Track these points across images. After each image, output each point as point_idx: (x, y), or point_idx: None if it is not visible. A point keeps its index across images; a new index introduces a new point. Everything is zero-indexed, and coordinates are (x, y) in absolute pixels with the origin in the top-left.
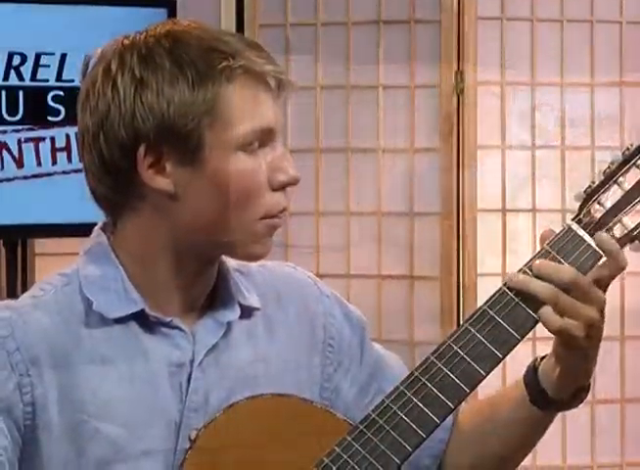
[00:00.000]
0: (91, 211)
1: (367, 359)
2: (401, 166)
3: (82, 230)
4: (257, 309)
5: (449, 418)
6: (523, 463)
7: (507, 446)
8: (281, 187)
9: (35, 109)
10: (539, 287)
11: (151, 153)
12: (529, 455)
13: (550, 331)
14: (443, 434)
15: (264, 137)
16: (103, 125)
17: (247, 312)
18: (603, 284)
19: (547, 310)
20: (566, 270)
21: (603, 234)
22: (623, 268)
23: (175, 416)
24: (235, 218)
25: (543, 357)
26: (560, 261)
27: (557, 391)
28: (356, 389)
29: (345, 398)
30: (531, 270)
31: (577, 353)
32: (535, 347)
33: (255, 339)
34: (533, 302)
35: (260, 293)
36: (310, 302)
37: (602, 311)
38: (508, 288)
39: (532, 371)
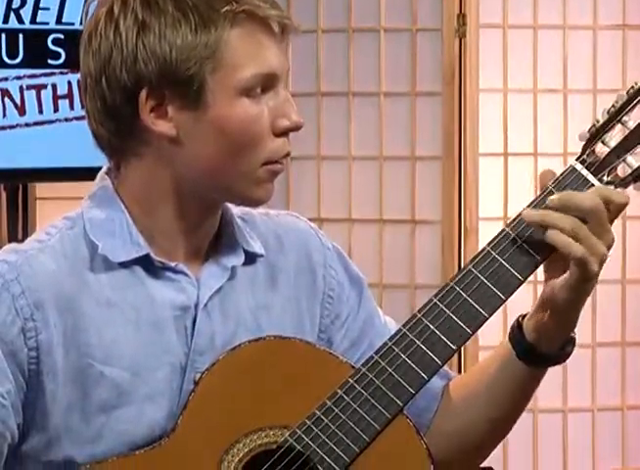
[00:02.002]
0: (93, 156)
1: (361, 314)
2: (403, 111)
3: (83, 174)
4: (261, 256)
5: (439, 387)
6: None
7: (496, 406)
8: (284, 132)
9: (35, 52)
10: (559, 218)
11: (153, 97)
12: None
13: (572, 259)
14: (433, 403)
15: (267, 82)
16: (105, 69)
17: (250, 259)
18: (612, 218)
19: (566, 239)
20: (590, 197)
21: (597, 184)
22: (625, 205)
23: (181, 359)
24: (237, 163)
25: (525, 315)
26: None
27: (545, 342)
28: (348, 343)
29: (336, 350)
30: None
31: (581, 294)
32: (537, 290)
33: (258, 286)
34: (537, 243)
35: (263, 241)
36: (312, 252)
37: (609, 250)
38: (511, 229)
39: (517, 328)
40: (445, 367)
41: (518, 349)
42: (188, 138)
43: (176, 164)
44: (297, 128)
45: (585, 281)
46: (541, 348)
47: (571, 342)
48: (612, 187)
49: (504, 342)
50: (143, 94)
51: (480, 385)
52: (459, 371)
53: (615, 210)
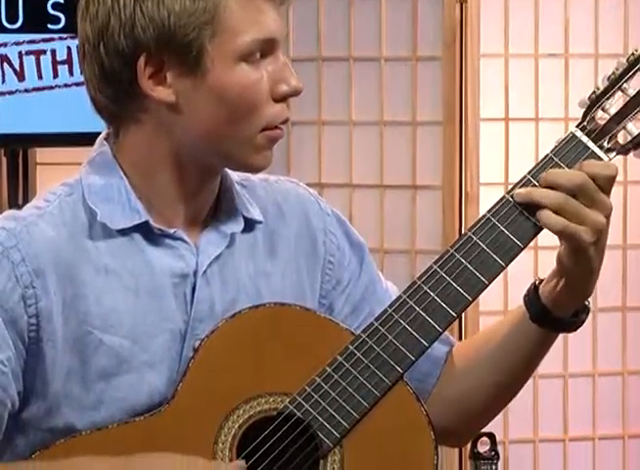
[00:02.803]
0: (93, 122)
1: (363, 279)
2: (404, 75)
3: (84, 139)
4: (260, 223)
5: (441, 353)
6: None
7: (502, 372)
8: (283, 98)
9: (35, 16)
10: (543, 194)
11: (151, 63)
12: None
13: (554, 232)
14: (435, 369)
15: (266, 47)
16: (103, 35)
17: (249, 225)
18: (604, 189)
19: (547, 213)
20: (574, 174)
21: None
22: (613, 176)
23: (180, 326)
24: (236, 129)
25: (542, 280)
26: (563, 168)
27: (559, 307)
28: (349, 308)
29: (338, 316)
30: (535, 179)
31: (584, 263)
32: (538, 256)
33: (257, 253)
34: (537, 210)
35: (262, 207)
36: (312, 218)
37: (608, 217)
38: (512, 196)
39: (533, 290)
40: (447, 333)
41: (532, 311)
42: (187, 104)
43: (175, 130)
44: (296, 93)
45: (580, 251)
46: (555, 312)
47: (586, 310)
48: (612, 154)
49: (515, 308)
50: (141, 60)
51: (486, 351)
52: (460, 337)
53: (605, 182)
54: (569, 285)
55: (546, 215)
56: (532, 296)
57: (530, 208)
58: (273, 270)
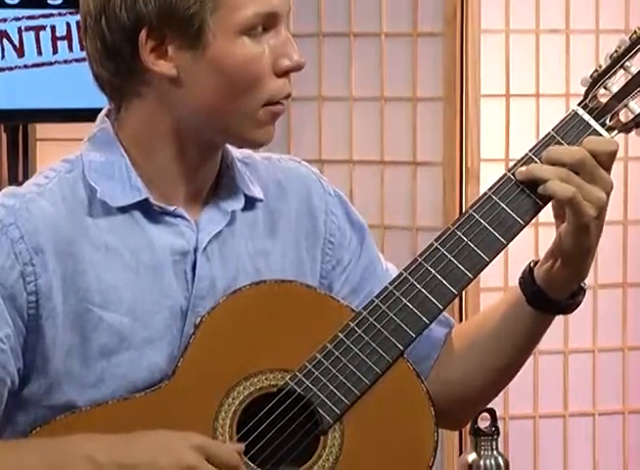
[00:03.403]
0: (93, 98)
1: (363, 260)
2: (404, 51)
3: (83, 115)
4: (260, 201)
5: (440, 335)
6: None
7: (500, 355)
8: (285, 73)
9: None
10: (545, 170)
11: (152, 37)
12: None
13: (562, 200)
14: (433, 351)
15: (268, 22)
16: (105, 9)
17: (250, 203)
18: (605, 166)
19: (554, 181)
20: (575, 150)
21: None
22: (614, 152)
23: (181, 303)
24: (237, 104)
25: (538, 261)
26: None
27: (555, 289)
28: (349, 288)
29: (337, 296)
30: (537, 157)
31: (583, 241)
32: (538, 233)
33: (257, 232)
34: (538, 186)
35: (264, 185)
36: (313, 197)
37: (608, 195)
38: (513, 173)
39: (528, 272)
40: (447, 315)
41: (528, 293)
42: (188, 78)
43: (177, 104)
44: (298, 68)
45: (583, 226)
46: (550, 294)
47: (582, 291)
48: (614, 132)
49: (512, 288)
50: (143, 34)
51: (484, 333)
52: (460, 315)
53: (605, 158)
54: (565, 265)
55: (555, 184)
56: (528, 278)
57: (532, 185)
58: (273, 249)
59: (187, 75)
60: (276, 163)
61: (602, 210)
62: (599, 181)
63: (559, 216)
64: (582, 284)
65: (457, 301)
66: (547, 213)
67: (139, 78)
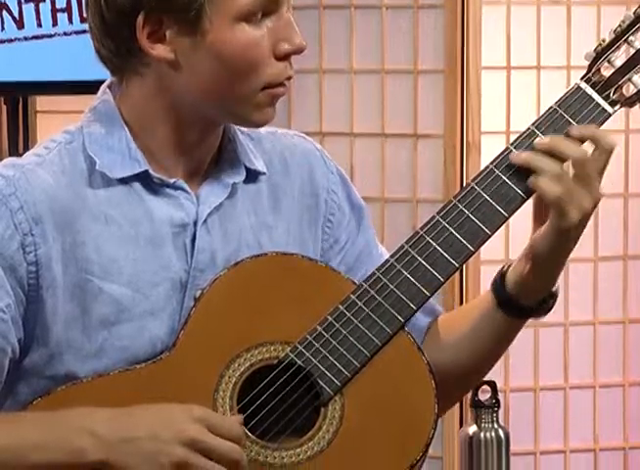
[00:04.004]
0: (93, 69)
1: (360, 241)
2: (405, 23)
3: (83, 87)
4: (263, 174)
5: (424, 323)
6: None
7: (471, 353)
8: (285, 56)
9: None
10: (543, 162)
11: (150, 22)
12: None
13: (547, 200)
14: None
15: (269, 7)
16: None
17: (252, 177)
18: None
19: (544, 179)
20: (577, 148)
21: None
22: (612, 150)
23: (181, 276)
24: (236, 88)
25: (510, 265)
26: (568, 121)
27: (524, 295)
28: (344, 268)
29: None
30: (540, 131)
31: (559, 246)
32: None
33: (260, 205)
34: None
35: (268, 159)
36: (316, 175)
37: (595, 205)
38: (515, 147)
39: (500, 277)
40: (434, 303)
41: (498, 298)
42: (186, 62)
43: (175, 86)
44: (299, 52)
45: (563, 230)
46: (521, 299)
47: (553, 296)
48: (617, 106)
49: (485, 292)
50: (140, 18)
51: (457, 332)
52: (461, 288)
53: (603, 152)
54: (537, 270)
55: (543, 181)
56: (499, 282)
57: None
58: (275, 224)
59: (185, 60)
60: (281, 137)
61: (586, 217)
62: (591, 187)
63: (538, 218)
64: (553, 289)
65: (457, 275)
66: None
67: (138, 58)
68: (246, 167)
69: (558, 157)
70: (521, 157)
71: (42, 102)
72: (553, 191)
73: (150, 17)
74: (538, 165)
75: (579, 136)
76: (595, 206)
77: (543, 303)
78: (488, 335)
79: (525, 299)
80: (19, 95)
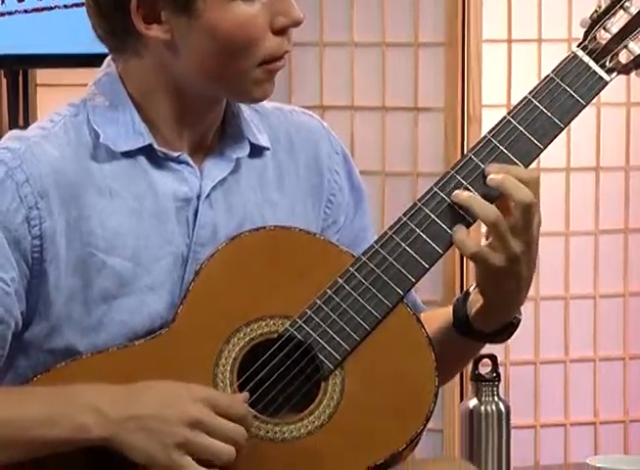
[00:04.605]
0: (94, 43)
1: (356, 224)
2: None
3: (84, 60)
4: (267, 149)
5: None
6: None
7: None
8: (283, 30)
9: None
10: (483, 209)
11: (144, 2)
12: (533, 286)
13: (465, 255)
14: None
15: None
16: None
17: (256, 152)
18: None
19: (462, 235)
20: (527, 192)
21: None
22: (526, 206)
23: (183, 250)
24: (233, 66)
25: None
26: (565, 89)
27: (480, 322)
28: None
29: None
30: (537, 100)
31: (498, 286)
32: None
33: (265, 181)
34: (539, 130)
35: (273, 135)
36: (321, 153)
37: (528, 246)
38: (513, 117)
39: (463, 298)
40: (418, 300)
41: (456, 319)
42: (183, 42)
43: (174, 66)
44: (296, 25)
45: (490, 273)
46: (475, 323)
47: (514, 325)
48: (614, 74)
49: (448, 308)
50: (134, 2)
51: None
52: (462, 260)
53: (517, 207)
54: (488, 304)
55: (461, 237)
56: (460, 305)
57: (532, 126)
58: (280, 200)
59: (182, 40)
60: (288, 114)
61: (516, 261)
62: (527, 232)
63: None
64: (517, 316)
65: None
66: (551, 158)
67: (135, 39)
68: (250, 143)
69: (508, 198)
70: (460, 196)
71: (43, 75)
72: (469, 247)
73: (143, 1)
74: (474, 209)
75: (494, 186)
76: (528, 246)
77: (501, 332)
78: (445, 349)
79: (480, 325)
80: (19, 68)
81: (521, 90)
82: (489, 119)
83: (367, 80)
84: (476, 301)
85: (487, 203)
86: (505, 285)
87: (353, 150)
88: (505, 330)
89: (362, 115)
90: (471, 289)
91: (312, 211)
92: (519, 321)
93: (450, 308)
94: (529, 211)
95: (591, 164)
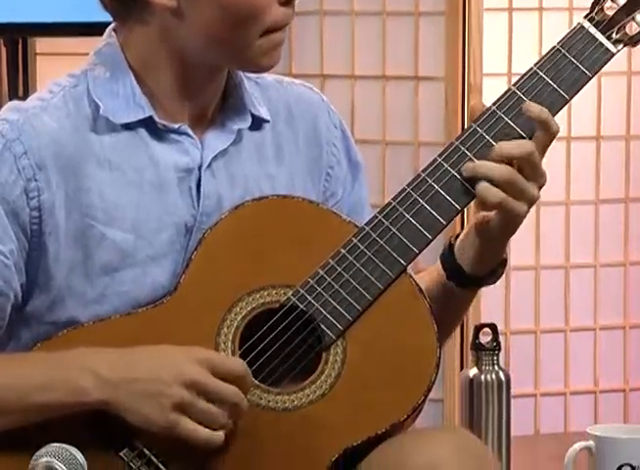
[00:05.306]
0: (95, 11)
1: (352, 197)
2: None
3: (84, 29)
4: (267, 122)
5: None
6: (528, 262)
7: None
8: (289, 1)
9: None
10: (492, 171)
11: None
12: (533, 255)
13: (491, 205)
14: None
15: None
16: None
17: (257, 124)
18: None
19: (485, 185)
20: (524, 143)
21: (531, 105)
22: (556, 134)
23: (187, 220)
24: (239, 35)
25: (458, 235)
26: (571, 61)
27: (473, 267)
28: None
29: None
30: (542, 72)
31: (510, 230)
32: None
33: (264, 154)
34: (545, 102)
35: (273, 108)
36: (320, 126)
37: (540, 188)
38: (517, 88)
39: (448, 249)
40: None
41: (448, 270)
42: (189, 10)
43: (179, 34)
44: None
45: (511, 221)
46: (470, 270)
47: (502, 264)
48: (620, 45)
49: (435, 265)
50: None
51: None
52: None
53: (549, 138)
54: (486, 245)
55: (484, 188)
56: (447, 255)
57: (540, 98)
58: (278, 173)
59: (188, 7)
60: (287, 86)
61: (532, 204)
62: (539, 177)
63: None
64: (504, 255)
65: (459, 217)
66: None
67: (141, 6)
68: (251, 114)
69: (506, 160)
70: (468, 167)
71: (42, 44)
72: (494, 196)
73: None
74: (484, 172)
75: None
76: (541, 188)
77: (494, 272)
78: (441, 304)
79: (474, 270)
80: (18, 37)
81: (522, 59)
82: (490, 89)
83: (368, 49)
84: (467, 250)
85: (496, 164)
86: (514, 228)
87: (354, 119)
88: (498, 269)
89: (363, 84)
90: (453, 240)
91: (312, 183)
92: (506, 261)
93: (437, 265)
94: (550, 142)
95: (592, 134)
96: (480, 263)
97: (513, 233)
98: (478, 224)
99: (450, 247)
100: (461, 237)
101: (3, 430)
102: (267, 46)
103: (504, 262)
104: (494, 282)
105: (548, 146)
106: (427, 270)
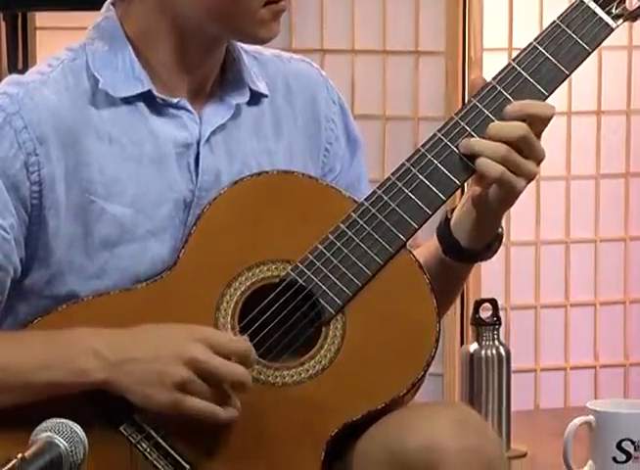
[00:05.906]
0: None
1: (350, 174)
2: None
3: (84, 3)
4: (266, 96)
5: None
6: (528, 238)
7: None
8: None
9: None
10: (486, 146)
11: None
12: (533, 230)
13: (491, 179)
14: None
15: None
16: None
17: (255, 99)
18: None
19: (484, 160)
20: (517, 126)
21: (510, 107)
22: (550, 117)
23: (185, 195)
24: (239, 5)
25: (454, 209)
26: (571, 36)
27: (469, 240)
28: None
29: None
30: (542, 47)
31: (507, 204)
32: None
33: (263, 129)
34: (544, 77)
35: (271, 83)
36: (319, 102)
37: (539, 163)
38: (517, 63)
39: (444, 223)
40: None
41: (444, 244)
42: None
43: (179, 5)
44: None
45: (509, 196)
46: (466, 244)
47: (498, 239)
48: (620, 20)
49: (431, 240)
50: None
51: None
52: None
53: (544, 123)
54: (483, 220)
55: (484, 162)
56: (444, 229)
57: (536, 73)
58: (277, 149)
59: None
60: (286, 62)
61: (531, 180)
62: (535, 155)
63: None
64: (499, 230)
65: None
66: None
67: None
68: (250, 89)
69: (501, 141)
70: (464, 144)
71: (42, 18)
72: (494, 170)
73: None
74: (480, 149)
75: (517, 117)
76: (539, 164)
77: (490, 246)
78: (437, 279)
79: (470, 244)
80: (18, 11)
81: (522, 34)
82: (490, 63)
83: (368, 24)
84: (463, 224)
85: (491, 142)
86: (511, 202)
87: (354, 94)
88: (494, 243)
89: (363, 58)
90: (449, 214)
91: (310, 158)
92: (502, 235)
93: (434, 240)
94: (546, 124)
95: (592, 108)
96: (476, 237)
97: (510, 207)
98: (474, 198)
99: (447, 220)
100: (457, 210)
101: (3, 407)
102: (268, 17)
103: (500, 237)
104: (491, 257)
105: (545, 126)
106: (424, 244)
